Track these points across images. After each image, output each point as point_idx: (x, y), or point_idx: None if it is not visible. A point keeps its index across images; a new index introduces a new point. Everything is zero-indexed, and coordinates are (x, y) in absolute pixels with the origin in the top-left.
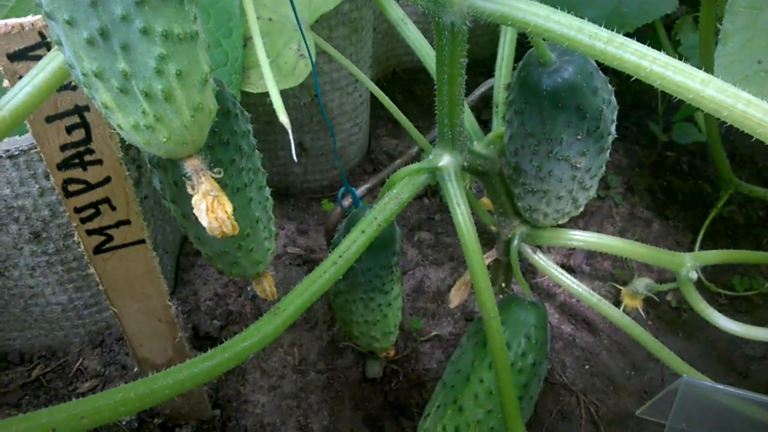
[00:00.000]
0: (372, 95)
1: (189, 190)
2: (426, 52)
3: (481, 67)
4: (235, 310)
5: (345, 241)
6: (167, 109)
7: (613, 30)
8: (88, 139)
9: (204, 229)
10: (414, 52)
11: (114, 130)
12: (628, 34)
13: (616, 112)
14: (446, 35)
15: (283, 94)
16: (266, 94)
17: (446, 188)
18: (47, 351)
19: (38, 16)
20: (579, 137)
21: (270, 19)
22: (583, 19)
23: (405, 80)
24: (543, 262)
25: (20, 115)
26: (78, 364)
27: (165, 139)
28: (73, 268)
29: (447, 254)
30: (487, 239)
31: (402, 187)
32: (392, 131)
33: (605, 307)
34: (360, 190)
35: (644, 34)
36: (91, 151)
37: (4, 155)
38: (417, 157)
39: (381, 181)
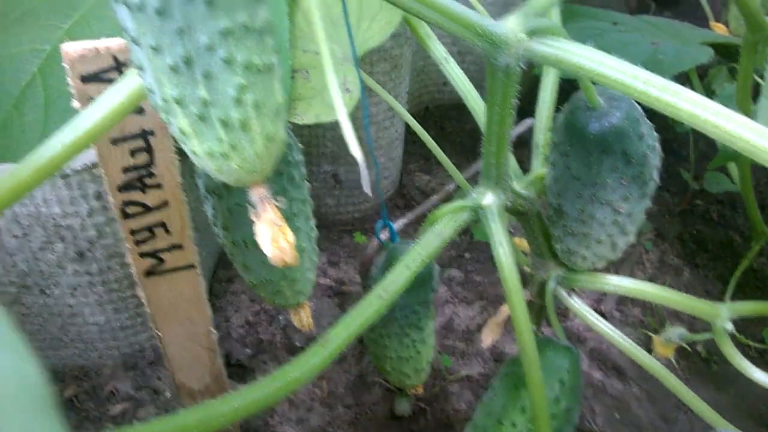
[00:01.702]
0: (406, 130)
1: (252, 218)
2: (468, 91)
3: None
4: (266, 338)
5: (390, 276)
6: (242, 137)
7: None
8: (150, 162)
9: (252, 257)
10: (446, 90)
11: (179, 156)
12: None
13: (659, 159)
14: (500, 76)
15: (320, 126)
16: (301, 125)
17: (489, 228)
18: (80, 371)
19: (113, 40)
20: (623, 182)
21: (317, 53)
22: None
23: (437, 116)
24: (578, 305)
25: (92, 136)
26: (110, 386)
27: (237, 167)
28: (114, 289)
29: (477, 293)
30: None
31: (445, 224)
32: (424, 167)
33: (638, 353)
34: (397, 225)
35: (678, 82)
36: (152, 175)
37: (58, 175)
38: (453, 194)
39: (417, 216)
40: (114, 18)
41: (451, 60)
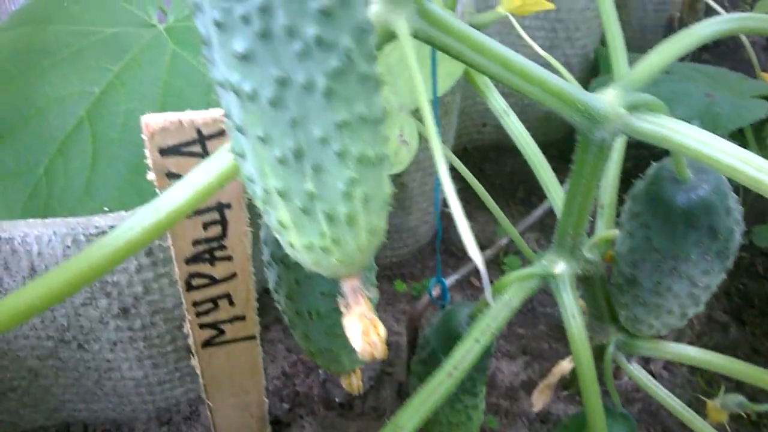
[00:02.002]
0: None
1: (341, 308)
2: (529, 146)
3: (553, 150)
4: (303, 391)
5: (459, 351)
6: (346, 232)
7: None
8: (223, 235)
9: (315, 327)
10: (485, 131)
11: (251, 228)
12: None
13: (741, 232)
14: (592, 150)
15: None
16: None
17: (560, 298)
18: (112, 425)
19: (198, 113)
20: (707, 257)
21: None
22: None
23: (476, 158)
24: (637, 372)
25: (176, 217)
26: None
27: (337, 261)
28: (155, 344)
29: (520, 346)
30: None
31: (513, 292)
32: (464, 209)
33: (691, 417)
34: (449, 281)
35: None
36: (223, 248)
37: (108, 230)
38: (506, 248)
39: (469, 272)
40: (165, 62)
41: (512, 114)
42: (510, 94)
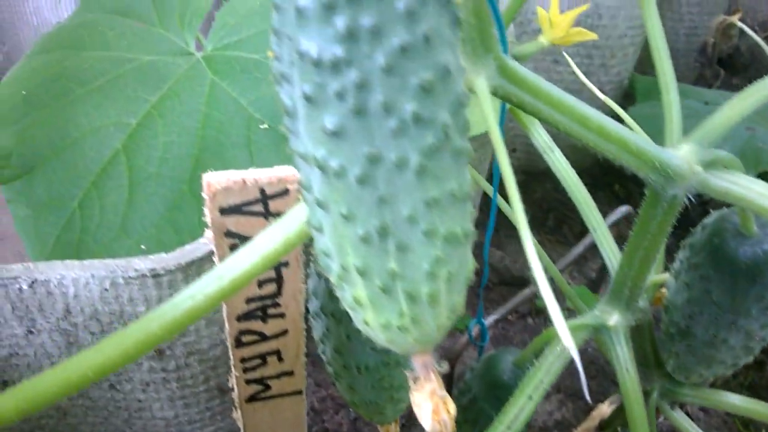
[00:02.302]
0: (481, 203)
1: (411, 383)
2: (573, 182)
3: (584, 177)
4: (331, 428)
5: (511, 409)
6: (427, 312)
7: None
8: (277, 293)
9: (362, 381)
10: (514, 156)
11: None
12: None
13: None
14: (662, 205)
15: None
16: None
17: (613, 350)
18: None
19: (261, 172)
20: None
21: None
22: None
23: (501, 185)
24: (681, 419)
25: (240, 285)
26: None
27: (413, 341)
28: (188, 385)
29: (553, 384)
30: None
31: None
32: (494, 239)
33: None
34: (488, 321)
35: None
36: (276, 305)
37: (149, 274)
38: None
39: (509, 311)
40: (204, 93)
41: (557, 150)
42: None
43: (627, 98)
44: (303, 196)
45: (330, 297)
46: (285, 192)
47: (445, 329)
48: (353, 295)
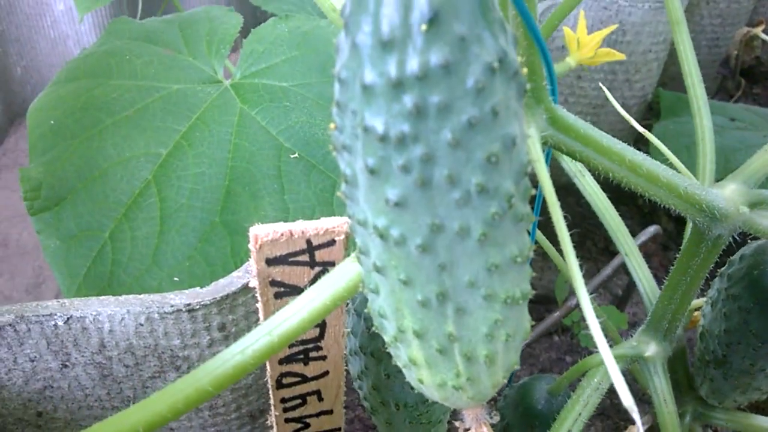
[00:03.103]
0: None
1: None
2: (605, 206)
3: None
4: None
5: None
6: (483, 372)
7: None
8: (320, 337)
9: (400, 416)
10: (530, 172)
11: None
12: None
13: None
14: (706, 244)
15: None
16: None
17: (651, 381)
18: None
19: (309, 224)
20: None
21: None
22: None
23: None
24: None
25: (289, 340)
26: None
27: (468, 398)
28: (220, 413)
29: None
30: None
31: (602, 376)
32: None
33: None
34: None
35: None
36: (318, 348)
37: (184, 309)
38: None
39: (538, 335)
40: (234, 122)
41: (587, 174)
42: None
43: (650, 110)
44: (359, 259)
45: (369, 336)
46: (331, 242)
47: (500, 386)
48: (409, 355)
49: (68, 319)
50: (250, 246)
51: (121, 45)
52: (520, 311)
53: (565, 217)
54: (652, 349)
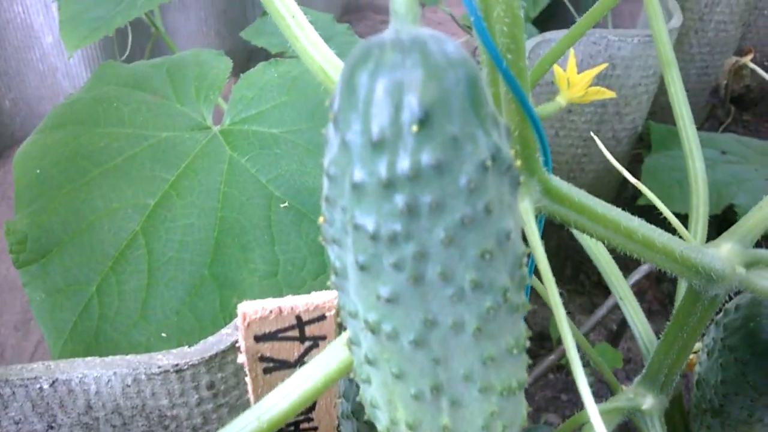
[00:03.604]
0: None
1: None
2: (599, 251)
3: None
4: None
5: None
6: None
7: None
8: (311, 408)
9: None
10: None
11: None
12: None
13: None
14: (702, 303)
15: None
16: None
17: None
18: None
19: (298, 299)
20: None
21: None
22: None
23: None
24: None
25: (278, 424)
26: None
27: None
28: None
29: None
30: None
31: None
32: None
33: None
34: None
35: None
36: (309, 419)
37: (172, 369)
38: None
39: (535, 379)
40: (223, 170)
41: None
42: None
43: (641, 140)
44: (350, 349)
45: (361, 401)
46: (322, 317)
47: None
48: None
49: (54, 382)
50: (238, 323)
51: (109, 91)
52: (516, 400)
53: (559, 250)
54: (648, 402)
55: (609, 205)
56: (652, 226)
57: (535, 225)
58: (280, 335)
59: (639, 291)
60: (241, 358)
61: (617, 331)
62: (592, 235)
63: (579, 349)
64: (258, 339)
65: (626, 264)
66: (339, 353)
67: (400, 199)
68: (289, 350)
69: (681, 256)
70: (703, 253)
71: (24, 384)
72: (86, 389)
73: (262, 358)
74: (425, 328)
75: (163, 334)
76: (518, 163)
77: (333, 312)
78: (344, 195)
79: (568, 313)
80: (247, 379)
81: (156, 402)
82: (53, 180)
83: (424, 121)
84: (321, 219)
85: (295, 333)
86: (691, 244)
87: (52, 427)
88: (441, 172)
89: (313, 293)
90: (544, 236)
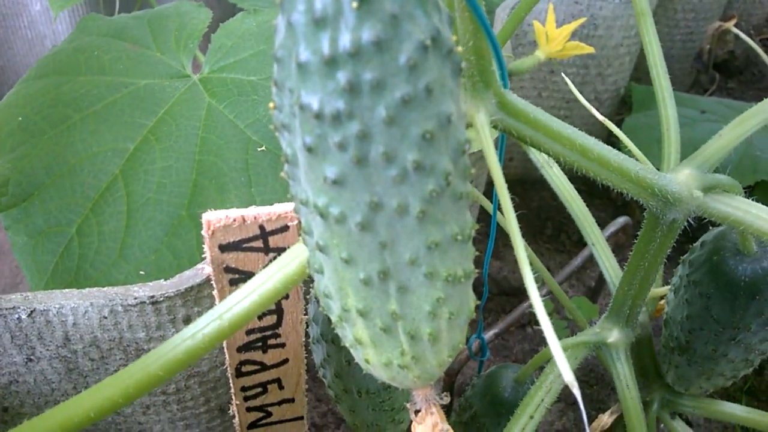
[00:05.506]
0: (479, 215)
1: (411, 416)
2: (571, 197)
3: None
4: None
5: (514, 429)
6: (428, 350)
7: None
8: (278, 324)
9: (363, 404)
10: (511, 165)
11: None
12: None
13: None
14: (661, 229)
15: None
16: None
17: (614, 367)
18: None
19: (262, 209)
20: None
21: None
22: None
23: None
24: (681, 428)
25: (239, 324)
26: None
27: (414, 378)
28: (189, 407)
29: None
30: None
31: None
32: (494, 251)
33: None
34: (488, 336)
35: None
36: (277, 336)
37: (148, 301)
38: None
39: (508, 326)
40: (201, 116)
41: (555, 165)
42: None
43: (624, 104)
44: (303, 239)
45: (330, 323)
46: (285, 228)
47: (446, 365)
48: (354, 334)
49: (32, 312)
50: (203, 232)
51: (90, 41)
52: (463, 290)
53: (540, 210)
54: (614, 336)
55: (564, 123)
56: (609, 147)
57: (489, 135)
58: (245, 245)
59: (616, 246)
60: (208, 269)
61: (595, 288)
62: (548, 153)
63: (555, 300)
64: (223, 248)
65: (606, 223)
66: (298, 255)
67: (342, 76)
68: (253, 261)
69: (636, 176)
70: (660, 175)
71: (2, 314)
72: (64, 320)
73: (228, 269)
74: (371, 211)
75: (142, 272)
76: (473, 73)
77: (296, 222)
78: (291, 76)
79: (548, 269)
80: (215, 292)
81: (133, 335)
82: (35, 126)
83: None
84: (271, 105)
85: (260, 243)
86: (647, 167)
87: (31, 360)
88: (381, 49)
89: (276, 204)
90: (526, 197)
